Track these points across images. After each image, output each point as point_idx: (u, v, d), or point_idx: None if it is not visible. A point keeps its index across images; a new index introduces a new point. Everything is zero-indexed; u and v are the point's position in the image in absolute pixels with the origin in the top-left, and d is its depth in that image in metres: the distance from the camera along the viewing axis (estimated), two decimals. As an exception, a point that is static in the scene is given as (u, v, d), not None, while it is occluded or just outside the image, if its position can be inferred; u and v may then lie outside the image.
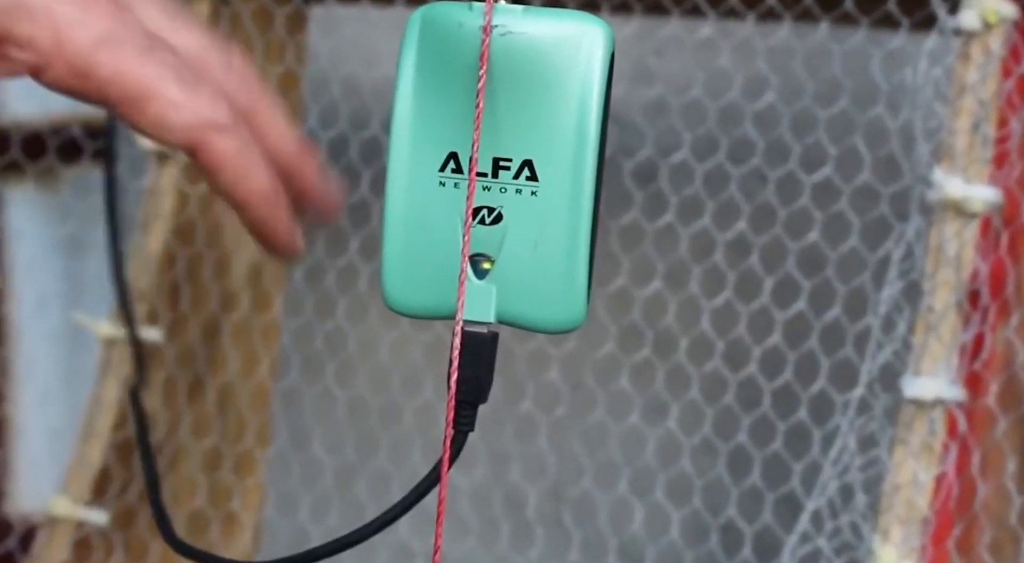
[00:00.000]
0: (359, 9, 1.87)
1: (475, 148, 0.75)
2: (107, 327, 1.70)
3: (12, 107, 2.15)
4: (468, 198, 0.75)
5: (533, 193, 0.76)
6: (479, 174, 0.75)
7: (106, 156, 1.70)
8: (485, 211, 0.76)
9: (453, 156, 0.76)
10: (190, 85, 0.76)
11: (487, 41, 0.74)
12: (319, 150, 1.88)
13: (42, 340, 2.16)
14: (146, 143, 1.71)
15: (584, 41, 0.76)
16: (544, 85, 0.75)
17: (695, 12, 1.72)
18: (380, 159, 1.85)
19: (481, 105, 0.75)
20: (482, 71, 0.75)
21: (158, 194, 1.71)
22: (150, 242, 1.71)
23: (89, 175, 2.04)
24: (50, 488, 1.85)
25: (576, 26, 0.76)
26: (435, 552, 0.77)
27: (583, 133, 0.75)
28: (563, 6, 1.61)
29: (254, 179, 0.77)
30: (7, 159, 2.06)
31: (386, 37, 1.91)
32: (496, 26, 0.75)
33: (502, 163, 0.76)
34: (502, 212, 0.76)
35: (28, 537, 1.90)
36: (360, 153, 1.86)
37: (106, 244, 1.71)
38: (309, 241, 1.91)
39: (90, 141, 2.06)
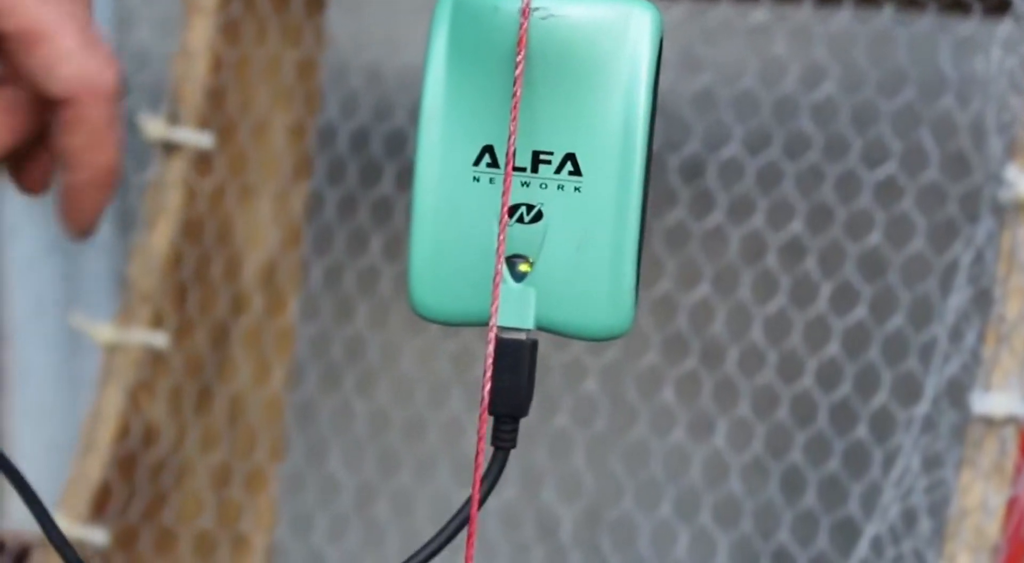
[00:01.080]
0: None
1: (512, 140, 0.75)
2: (108, 331, 1.71)
3: None
4: (504, 194, 0.75)
5: (576, 189, 0.76)
6: (517, 168, 0.76)
7: None
8: (524, 208, 0.76)
9: (488, 149, 0.76)
10: (87, 42, 0.79)
11: (525, 25, 0.75)
12: (341, 141, 1.90)
13: (39, 345, 2.17)
14: (152, 133, 1.71)
15: (631, 25, 0.76)
16: (588, 73, 0.76)
17: None
18: (405, 152, 1.85)
19: (519, 94, 0.75)
20: (520, 57, 0.75)
21: (164, 188, 1.71)
22: (155, 240, 1.71)
23: None
24: (46, 505, 1.88)
25: (623, 9, 0.76)
26: None
27: (631, 125, 0.75)
28: None
29: (104, 155, 0.81)
30: None
31: (412, 20, 1.91)
32: (536, 9, 0.75)
33: (542, 156, 0.76)
34: (542, 210, 0.76)
35: (22, 557, 1.92)
36: (384, 145, 1.87)
37: (109, 242, 1.72)
38: (326, 240, 1.92)
39: None
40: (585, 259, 0.76)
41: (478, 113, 0.76)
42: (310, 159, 1.81)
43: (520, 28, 0.75)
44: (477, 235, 0.76)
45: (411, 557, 0.78)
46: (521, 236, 0.76)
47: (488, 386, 0.76)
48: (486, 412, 0.76)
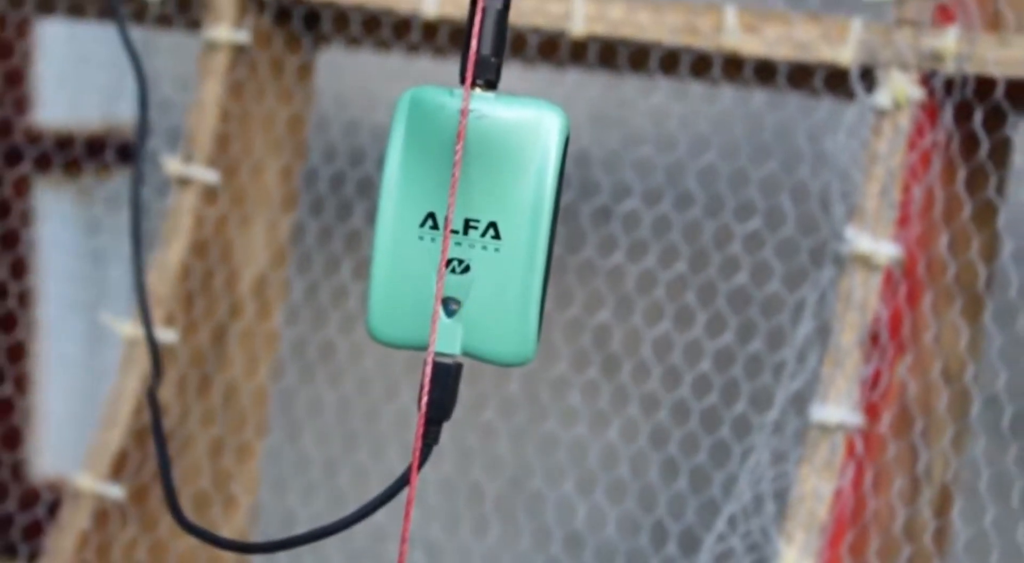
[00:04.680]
0: (361, 57, 1.86)
1: (450, 210, 0.77)
2: (129, 328, 1.67)
3: (51, 115, 2.14)
4: (443, 251, 0.77)
5: (496, 250, 0.77)
6: (452, 231, 0.77)
7: (134, 178, 1.70)
8: (456, 262, 0.77)
9: (431, 215, 0.78)
10: None
11: (464, 122, 0.77)
12: (321, 183, 1.87)
13: (71, 338, 2.13)
14: (170, 169, 1.69)
15: (544, 125, 0.78)
16: (509, 160, 0.77)
17: (649, 78, 1.70)
18: (373, 194, 1.83)
19: (457, 175, 0.77)
20: (458, 147, 0.77)
21: (178, 214, 1.69)
22: (170, 256, 1.68)
23: (120, 194, 2.03)
24: (70, 465, 1.84)
25: (538, 112, 0.78)
26: (402, 543, 0.78)
27: (539, 203, 0.77)
28: (556, 54, 1.62)
29: None
30: (49, 172, 2.08)
31: (383, 86, 1.90)
32: (472, 110, 0.77)
33: (472, 223, 0.77)
34: (470, 264, 0.77)
35: (54, 508, 1.90)
36: (356, 188, 1.85)
37: (131, 256, 1.71)
38: (307, 261, 1.93)
39: (119, 164, 2.08)
40: (500, 304, 0.77)
41: (424, 186, 0.78)
42: (296, 196, 1.78)
43: (460, 124, 0.77)
44: (420, 281, 0.78)
45: (363, 507, 0.81)
46: (454, 283, 0.77)
47: (425, 400, 0.77)
48: (424, 416, 0.78)
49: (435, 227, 0.78)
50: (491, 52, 0.78)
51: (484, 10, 0.78)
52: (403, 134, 0.78)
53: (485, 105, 0.77)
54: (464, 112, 0.77)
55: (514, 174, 0.78)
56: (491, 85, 0.78)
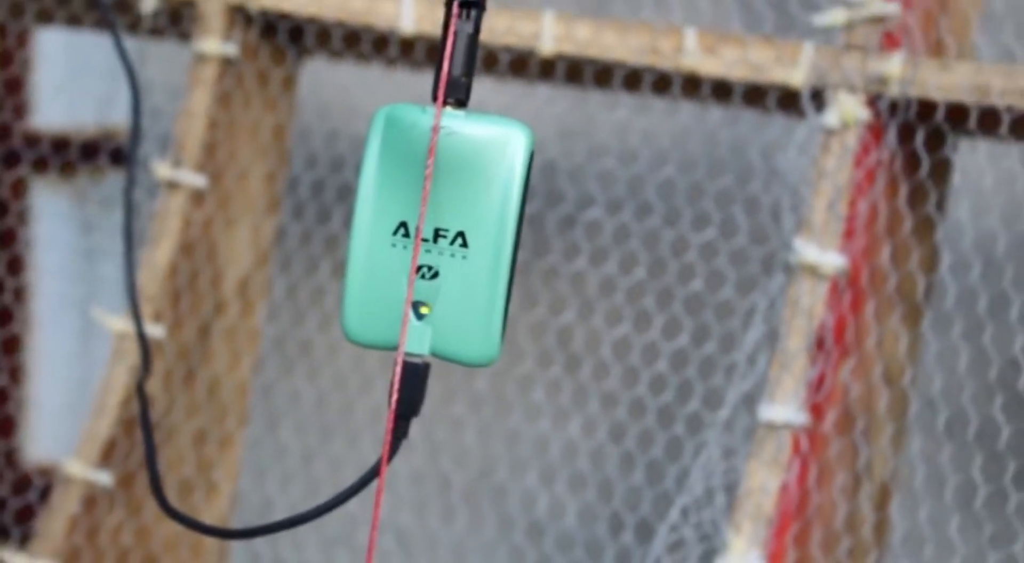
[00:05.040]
0: (342, 70, 1.85)
1: (421, 220, 0.77)
2: (119, 323, 1.66)
3: (45, 119, 2.13)
4: (414, 258, 0.78)
5: (464, 257, 0.78)
6: (423, 240, 0.78)
7: (127, 181, 1.69)
8: (426, 268, 0.78)
9: (403, 224, 0.78)
10: None
11: (435, 139, 0.77)
12: (303, 189, 1.86)
13: (64, 332, 2.12)
14: (160, 174, 1.68)
15: (510, 142, 0.78)
16: (477, 174, 0.78)
17: (613, 95, 1.70)
18: (352, 199, 1.82)
19: (428, 187, 0.77)
20: (430, 161, 0.77)
21: (167, 216, 1.68)
22: (158, 255, 1.67)
23: (113, 196, 2.01)
24: (62, 452, 1.79)
25: (505, 130, 0.78)
26: (373, 528, 0.79)
27: (505, 215, 0.78)
28: (526, 71, 1.62)
29: None
30: (46, 174, 2.07)
31: (363, 97, 1.90)
32: (443, 127, 0.77)
33: (441, 232, 0.78)
34: (439, 271, 0.78)
35: (45, 492, 1.87)
36: (335, 194, 1.85)
37: (122, 255, 1.69)
38: (288, 263, 1.92)
39: (113, 167, 2.08)
40: (467, 309, 0.78)
41: (397, 197, 0.78)
42: (279, 201, 1.77)
43: (431, 141, 0.77)
44: (392, 285, 0.78)
45: (335, 497, 0.81)
46: (423, 288, 0.78)
47: (395, 398, 0.78)
48: (394, 412, 0.78)
49: (407, 235, 0.78)
50: (462, 73, 0.79)
51: (456, 34, 0.79)
52: (378, 148, 0.79)
53: (455, 123, 0.78)
54: (435, 129, 0.77)
55: (482, 187, 0.78)
56: (461, 104, 0.79)
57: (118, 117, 2.05)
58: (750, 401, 1.51)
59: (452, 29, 0.79)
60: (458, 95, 0.79)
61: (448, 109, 0.78)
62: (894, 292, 1.52)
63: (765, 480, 1.44)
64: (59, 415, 2.13)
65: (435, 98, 0.78)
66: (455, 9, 0.79)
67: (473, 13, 0.79)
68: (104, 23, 1.84)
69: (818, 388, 1.46)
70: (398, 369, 0.78)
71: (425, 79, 1.74)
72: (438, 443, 1.89)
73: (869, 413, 1.51)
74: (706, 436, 1.58)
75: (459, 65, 0.79)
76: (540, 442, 1.84)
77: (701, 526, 1.50)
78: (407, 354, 0.78)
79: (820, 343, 1.46)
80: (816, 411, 1.46)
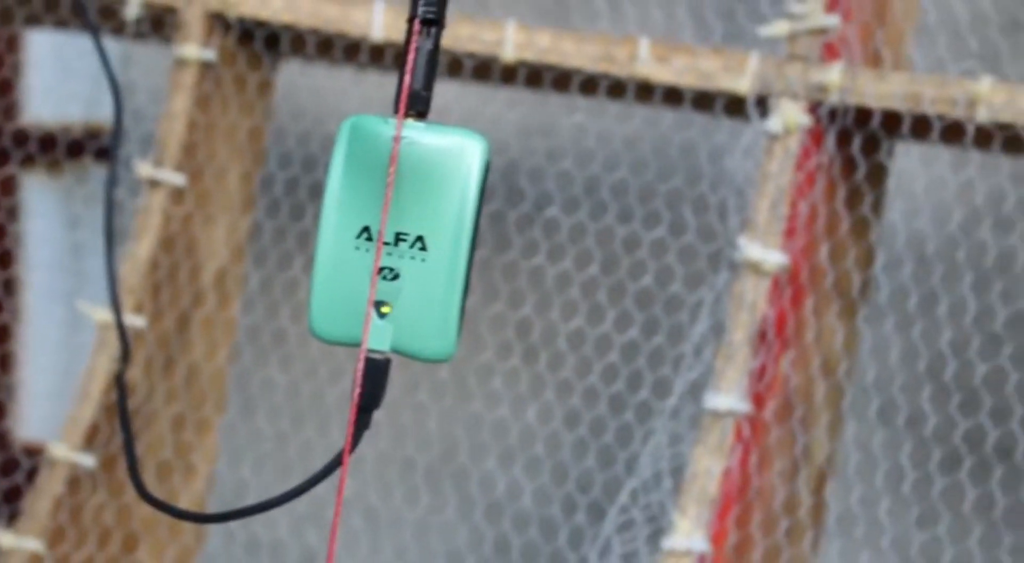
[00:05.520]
0: (315, 75, 1.84)
1: (383, 225, 0.77)
2: (103, 314, 1.66)
3: (35, 114, 2.12)
4: (376, 261, 0.77)
5: (423, 260, 0.77)
6: (385, 243, 0.77)
7: (108, 180, 1.67)
8: (387, 270, 0.77)
9: (366, 229, 0.77)
10: None
11: (397, 148, 0.77)
12: (277, 187, 1.86)
13: (52, 323, 2.11)
14: (142, 172, 1.67)
15: (467, 152, 0.77)
16: (436, 182, 0.77)
17: (570, 100, 1.71)
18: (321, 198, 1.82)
19: (389, 194, 0.77)
20: (392, 168, 0.77)
21: (148, 213, 1.67)
22: (140, 250, 1.67)
23: (98, 193, 2.00)
24: (49, 436, 1.79)
25: (462, 140, 0.77)
26: (338, 499, 0.79)
27: (461, 220, 0.77)
28: (489, 77, 1.62)
29: None
30: (34, 171, 2.07)
31: (335, 101, 1.89)
32: (404, 137, 0.77)
33: (402, 236, 0.77)
34: (399, 273, 0.77)
35: (32, 473, 1.89)
36: (308, 192, 1.85)
37: (104, 249, 1.68)
38: (263, 257, 1.92)
39: (98, 164, 2.07)
40: (425, 308, 0.77)
41: (361, 203, 0.77)
42: (254, 198, 1.77)
43: (393, 150, 0.76)
44: (356, 286, 0.77)
45: (303, 483, 0.80)
46: (385, 289, 0.77)
47: (358, 391, 0.77)
48: (357, 406, 0.78)
49: (369, 239, 0.78)
50: (422, 86, 0.78)
51: (417, 50, 0.79)
52: (344, 156, 0.79)
53: (416, 133, 0.78)
54: (397, 139, 0.77)
55: (440, 194, 0.78)
56: (421, 115, 0.78)
57: (104, 116, 2.04)
58: (696, 390, 1.51)
59: (413, 45, 0.79)
60: (418, 107, 0.78)
61: (409, 120, 0.78)
62: (831, 288, 1.53)
63: (709, 465, 1.44)
64: (46, 400, 2.12)
65: (397, 110, 0.78)
66: (416, 26, 0.79)
67: (433, 30, 0.79)
68: (88, 28, 1.82)
69: (760, 378, 1.47)
70: (360, 365, 0.78)
71: (394, 83, 1.73)
72: (402, 428, 1.89)
73: (807, 402, 1.52)
74: (655, 423, 1.59)
75: (419, 79, 0.79)
76: (499, 428, 1.85)
77: (649, 508, 1.50)
78: (369, 350, 0.78)
79: (762, 336, 1.47)
80: (758, 400, 1.47)
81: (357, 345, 0.78)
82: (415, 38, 0.79)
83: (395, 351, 0.78)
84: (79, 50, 2.01)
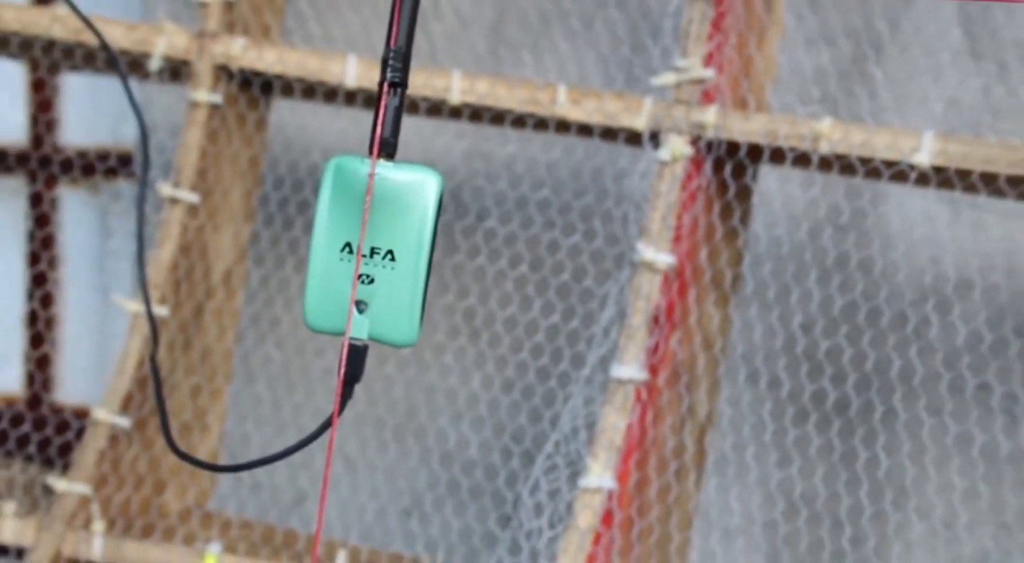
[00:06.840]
0: (301, 114, 1.83)
1: (361, 242, 0.78)
2: (133, 305, 1.65)
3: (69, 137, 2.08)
4: (356, 269, 0.78)
5: (392, 268, 0.78)
6: (363, 256, 0.78)
7: (138, 199, 1.64)
8: (365, 276, 0.78)
9: (348, 244, 0.78)
10: None
11: (371, 182, 0.78)
12: (272, 204, 1.85)
13: (91, 313, 2.08)
14: (164, 192, 1.65)
15: (426, 185, 0.79)
16: (402, 208, 0.78)
17: (504, 134, 1.71)
18: (308, 213, 1.81)
19: (366, 217, 0.78)
20: (368, 197, 0.78)
21: (169, 225, 1.66)
22: (163, 254, 1.66)
23: (128, 209, 1.99)
24: (88, 402, 1.82)
25: (422, 176, 0.79)
26: (328, 454, 0.78)
27: (422, 237, 0.78)
28: (440, 115, 1.61)
29: None
30: (76, 191, 2.05)
31: (318, 135, 1.88)
32: (377, 174, 0.78)
33: (376, 250, 0.78)
34: (374, 278, 0.78)
35: (79, 433, 1.86)
36: (296, 207, 1.84)
37: (135, 254, 1.67)
38: (261, 259, 1.91)
39: (128, 183, 2.06)
40: (394, 306, 0.78)
41: (344, 225, 0.78)
42: (254, 212, 1.75)
43: (368, 183, 0.78)
44: (340, 289, 0.78)
45: (300, 441, 0.80)
46: (363, 291, 0.78)
47: (343, 370, 0.78)
48: (342, 381, 0.79)
49: (351, 252, 0.78)
50: (390, 134, 0.80)
51: (386, 106, 0.80)
52: (330, 189, 0.79)
53: (386, 171, 0.78)
54: (371, 176, 0.78)
55: (405, 217, 0.78)
56: (390, 156, 0.80)
57: (128, 142, 2.03)
58: (605, 363, 1.51)
59: (384, 103, 0.80)
60: (388, 151, 0.80)
61: (381, 161, 0.79)
62: (709, 282, 1.53)
63: (616, 421, 1.44)
64: (82, 374, 2.10)
65: (371, 153, 0.79)
66: (385, 88, 0.80)
67: (399, 91, 0.80)
68: (119, 78, 1.82)
69: (654, 353, 1.47)
70: (344, 351, 0.79)
71: (365, 119, 1.73)
72: (375, 394, 1.88)
73: (691, 371, 1.52)
74: (572, 389, 1.58)
75: (388, 128, 0.80)
76: (450, 393, 1.84)
77: (569, 455, 1.50)
78: (351, 339, 0.78)
79: (656, 320, 1.47)
80: (652, 370, 1.47)
81: (342, 335, 0.79)
82: (385, 97, 0.80)
83: (371, 339, 0.80)
84: (106, 88, 2.00)
